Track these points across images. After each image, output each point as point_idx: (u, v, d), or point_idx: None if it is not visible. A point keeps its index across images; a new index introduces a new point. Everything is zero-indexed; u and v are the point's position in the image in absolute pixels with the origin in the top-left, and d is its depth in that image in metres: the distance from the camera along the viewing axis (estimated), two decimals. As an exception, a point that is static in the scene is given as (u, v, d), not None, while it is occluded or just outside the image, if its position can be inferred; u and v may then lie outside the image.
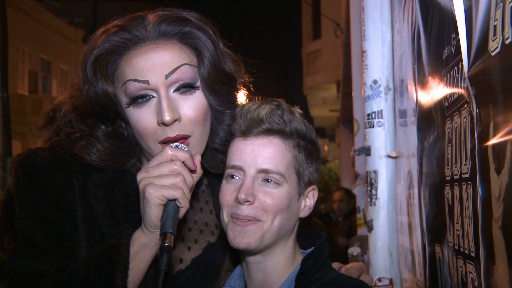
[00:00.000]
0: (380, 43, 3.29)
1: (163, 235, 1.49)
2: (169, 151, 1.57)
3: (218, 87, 1.76)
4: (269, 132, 1.66)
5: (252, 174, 1.64)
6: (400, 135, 2.93)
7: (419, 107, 2.20)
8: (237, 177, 1.68)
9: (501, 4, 1.14)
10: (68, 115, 1.78)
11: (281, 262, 1.71)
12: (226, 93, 1.79)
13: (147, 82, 1.65)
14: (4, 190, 1.71)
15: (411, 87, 2.42)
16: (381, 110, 3.20)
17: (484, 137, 1.27)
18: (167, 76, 1.66)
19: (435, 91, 1.86)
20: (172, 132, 1.67)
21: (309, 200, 1.75)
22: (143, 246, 1.57)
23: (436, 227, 1.93)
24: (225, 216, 1.68)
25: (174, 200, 1.52)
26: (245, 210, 1.63)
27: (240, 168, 1.66)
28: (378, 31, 3.30)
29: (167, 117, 1.64)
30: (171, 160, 1.55)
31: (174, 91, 1.69)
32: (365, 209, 3.86)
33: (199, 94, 1.73)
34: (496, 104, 1.20)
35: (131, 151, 1.78)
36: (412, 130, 2.45)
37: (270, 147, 1.65)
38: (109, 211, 1.70)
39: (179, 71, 1.68)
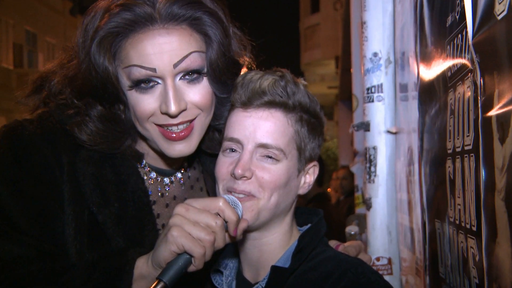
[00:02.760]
0: (381, 14, 3.27)
1: (158, 281, 1.44)
2: (221, 204, 1.49)
3: (225, 76, 1.73)
4: (271, 104, 1.64)
5: (250, 148, 1.62)
6: (401, 110, 2.92)
7: (420, 80, 2.19)
8: (234, 151, 1.66)
9: (509, -35, 1.13)
10: (62, 88, 1.73)
11: (278, 239, 1.71)
12: (231, 80, 1.76)
13: (154, 70, 1.60)
14: None
15: (413, 60, 2.41)
16: (381, 84, 3.19)
17: (488, 106, 1.26)
18: (175, 65, 1.62)
19: (438, 62, 1.85)
20: (174, 120, 1.65)
21: (309, 176, 1.73)
22: (141, 277, 1.55)
23: (436, 203, 1.93)
24: (220, 190, 1.67)
25: (190, 256, 1.46)
26: (242, 185, 1.62)
27: (238, 141, 1.64)
28: (379, 1, 3.28)
29: (173, 109, 1.61)
30: (217, 214, 1.48)
31: (180, 78, 1.66)
32: (363, 187, 3.87)
33: (206, 81, 1.70)
34: (501, 71, 1.18)
35: (126, 135, 1.75)
36: (413, 104, 2.44)
37: (271, 120, 1.63)
38: (98, 189, 1.67)
39: (188, 60, 1.64)
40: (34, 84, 1.81)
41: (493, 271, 1.27)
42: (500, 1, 1.17)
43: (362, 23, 3.32)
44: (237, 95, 1.67)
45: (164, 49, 1.60)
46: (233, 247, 1.80)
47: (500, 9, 1.16)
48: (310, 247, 1.66)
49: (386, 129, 3.11)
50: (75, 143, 1.68)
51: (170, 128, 1.66)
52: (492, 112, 1.22)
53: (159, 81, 1.63)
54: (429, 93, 2.01)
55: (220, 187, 1.66)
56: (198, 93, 1.67)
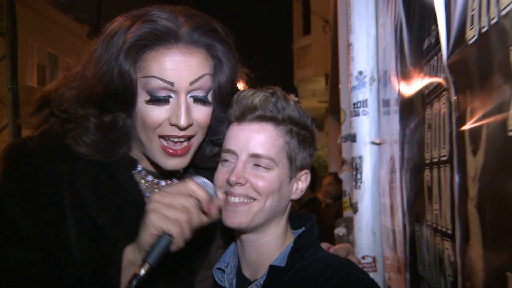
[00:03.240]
0: (366, 36, 3.28)
1: (142, 263, 1.45)
2: (191, 186, 1.50)
3: (228, 99, 1.73)
4: (262, 118, 1.64)
5: (244, 158, 1.63)
6: (384, 123, 2.92)
7: (401, 96, 2.19)
8: (230, 161, 1.66)
9: (478, -5, 1.14)
10: (66, 97, 1.69)
11: (273, 241, 1.70)
12: (230, 100, 1.75)
13: (172, 84, 1.58)
14: None
15: (394, 78, 2.41)
16: (366, 100, 3.20)
17: (462, 121, 1.27)
18: (191, 83, 1.61)
19: (416, 81, 1.86)
20: (179, 132, 1.63)
21: (302, 183, 1.72)
22: (130, 264, 1.52)
23: (416, 208, 1.93)
24: (219, 196, 1.67)
25: (169, 235, 1.46)
26: (238, 190, 1.62)
27: (233, 152, 1.65)
28: (363, 25, 3.28)
29: (183, 122, 1.60)
30: (188, 194, 1.49)
31: (190, 96, 1.64)
32: (350, 193, 3.87)
33: (211, 104, 1.70)
34: (473, 90, 1.19)
35: (121, 143, 1.70)
36: (395, 118, 2.45)
37: (262, 133, 1.63)
38: (96, 196, 1.64)
39: (201, 80, 1.63)
40: (36, 103, 1.78)
41: (466, 270, 1.27)
42: (470, 28, 1.18)
43: (349, 45, 3.33)
44: (232, 111, 1.68)
45: (183, 67, 1.59)
46: (234, 247, 1.80)
47: (471, 35, 1.17)
48: (304, 248, 1.66)
49: (370, 140, 3.11)
50: (72, 154, 1.65)
51: (172, 139, 1.64)
52: (465, 127, 1.23)
53: (173, 95, 1.61)
54: (409, 108, 2.01)
55: (219, 193, 1.66)
56: (203, 113, 1.66)
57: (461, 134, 1.27)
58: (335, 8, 7.05)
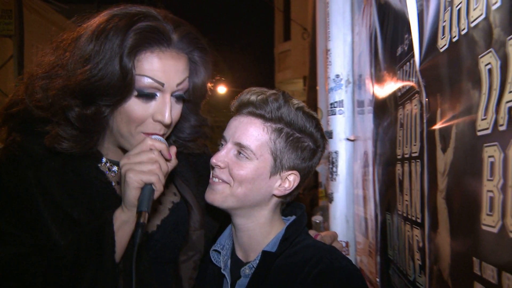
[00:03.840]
0: (342, 43, 3.28)
1: (139, 214, 1.47)
2: (149, 142, 1.52)
3: (197, 98, 1.76)
4: (252, 114, 1.63)
5: (229, 145, 1.63)
6: (358, 121, 2.93)
7: (375, 97, 2.19)
8: (222, 145, 1.67)
9: (449, 8, 1.14)
10: (40, 90, 1.60)
11: (258, 227, 1.69)
12: (198, 104, 1.80)
13: (162, 84, 1.58)
14: None
15: (368, 81, 2.41)
16: (342, 100, 3.19)
17: (432, 121, 1.27)
18: (177, 85, 1.61)
19: (390, 84, 1.85)
20: (160, 130, 1.63)
21: (288, 183, 1.66)
22: (123, 223, 1.52)
23: (387, 198, 1.93)
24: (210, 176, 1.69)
25: (150, 184, 1.50)
26: (217, 171, 1.64)
27: (224, 139, 1.67)
28: (340, 33, 3.29)
29: (167, 120, 1.60)
30: (150, 149, 1.52)
31: (173, 96, 1.63)
32: (326, 184, 3.88)
33: (181, 102, 1.70)
34: (443, 93, 1.19)
35: (98, 134, 1.66)
36: (368, 117, 2.45)
37: (250, 126, 1.62)
38: (66, 194, 1.60)
39: (184, 82, 1.64)
40: (3, 116, 1.71)
41: (433, 255, 1.27)
42: (442, 37, 1.18)
43: (327, 50, 3.33)
44: (233, 103, 1.69)
45: (172, 70, 1.59)
46: (229, 232, 1.79)
47: (442, 44, 1.17)
48: (294, 235, 1.65)
49: (345, 137, 3.12)
50: (35, 160, 1.61)
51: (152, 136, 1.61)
52: (436, 127, 1.23)
53: (158, 94, 1.59)
54: (382, 108, 2.01)
55: (211, 172, 1.69)
56: (177, 113, 1.67)
57: (431, 133, 1.27)
58: (313, 18, 7.06)
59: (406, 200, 1.56)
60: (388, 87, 1.89)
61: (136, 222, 1.45)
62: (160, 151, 1.53)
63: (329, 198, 3.24)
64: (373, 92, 2.23)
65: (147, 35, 1.55)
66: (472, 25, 0.99)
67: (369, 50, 2.42)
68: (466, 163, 1.02)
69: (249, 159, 1.61)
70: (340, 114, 3.17)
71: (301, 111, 1.64)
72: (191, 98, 1.72)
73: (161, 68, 1.57)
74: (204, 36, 1.73)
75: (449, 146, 1.13)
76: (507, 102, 0.84)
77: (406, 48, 1.59)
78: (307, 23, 15.79)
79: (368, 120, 2.50)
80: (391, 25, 1.86)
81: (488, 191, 0.90)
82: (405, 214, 1.59)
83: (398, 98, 1.69)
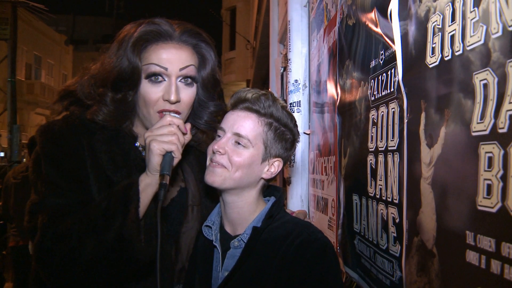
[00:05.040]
0: (300, 55, 3.33)
1: (162, 176, 1.52)
2: (168, 117, 1.59)
3: (210, 86, 1.79)
4: (249, 109, 1.63)
5: (229, 135, 1.62)
6: (315, 119, 2.97)
7: (340, 100, 2.23)
8: (220, 136, 1.65)
9: (439, 33, 1.18)
10: (88, 84, 1.73)
11: (247, 205, 1.69)
12: (212, 91, 1.82)
13: (166, 69, 1.64)
14: (33, 152, 1.69)
15: (331, 87, 2.46)
16: (300, 101, 3.24)
17: (415, 122, 1.31)
18: (180, 69, 1.66)
19: (360, 90, 1.90)
20: (170, 107, 1.67)
21: (274, 168, 1.68)
22: (147, 185, 1.55)
23: (354, 182, 1.98)
24: (207, 161, 1.67)
25: (170, 152, 1.55)
26: (217, 157, 1.62)
27: (223, 130, 1.65)
28: (298, 47, 3.34)
29: (173, 97, 1.64)
30: (169, 124, 1.57)
31: (179, 80, 1.68)
32: (285, 170, 3.92)
33: (194, 88, 1.74)
34: (428, 100, 1.23)
35: (128, 114, 1.73)
36: (329, 116, 2.50)
37: (247, 119, 1.62)
38: (110, 160, 1.67)
39: (188, 69, 1.68)
40: (59, 95, 1.80)
41: (413, 228, 1.32)
42: (431, 56, 1.21)
43: (287, 60, 3.36)
44: (230, 100, 1.68)
45: (175, 57, 1.66)
46: (218, 209, 1.78)
47: (432, 61, 1.21)
48: (276, 213, 1.67)
49: (303, 131, 3.17)
50: (90, 130, 1.68)
51: (165, 112, 1.67)
52: (420, 127, 1.27)
53: (166, 78, 1.65)
54: (349, 109, 2.06)
55: (208, 159, 1.67)
56: (188, 94, 1.71)
57: (414, 132, 1.31)
58: (265, 33, 7.08)
59: (380, 185, 1.61)
60: (357, 93, 1.94)
61: (160, 182, 1.51)
62: (178, 126, 1.58)
63: (288, 181, 3.28)
64: (337, 96, 2.28)
65: (149, 32, 1.65)
66: (468, 48, 1.03)
67: (331, 61, 2.46)
68: (457, 156, 1.07)
69: (246, 148, 1.61)
70: (298, 112, 3.22)
71: (285, 109, 1.69)
72: (205, 87, 1.78)
73: (164, 56, 1.65)
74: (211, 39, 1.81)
75: (436, 142, 1.17)
76: (508, 110, 0.89)
77: (381, 62, 1.63)
78: (249, 36, 15.90)
79: (328, 118, 2.55)
80: (361, 42, 1.90)
81: (486, 179, 0.95)
82: (378, 196, 1.64)
83: (371, 102, 1.74)
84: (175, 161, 1.57)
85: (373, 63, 1.73)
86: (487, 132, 0.95)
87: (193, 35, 1.72)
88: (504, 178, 0.89)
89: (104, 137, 1.69)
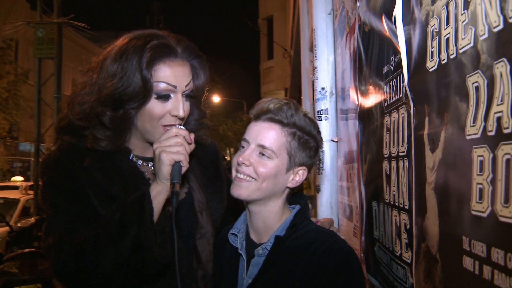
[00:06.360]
0: (326, 62, 3.33)
1: (173, 185, 1.59)
2: (174, 129, 1.65)
3: (200, 97, 1.88)
4: (272, 120, 1.64)
5: (253, 146, 1.63)
6: (341, 126, 2.96)
7: (360, 107, 2.22)
8: (244, 147, 1.67)
9: (437, 37, 1.17)
10: (81, 102, 1.74)
11: (273, 214, 1.69)
12: (200, 100, 1.90)
13: (175, 86, 1.71)
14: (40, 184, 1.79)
15: (353, 93, 2.45)
16: (327, 108, 3.23)
17: (420, 127, 1.30)
18: (186, 86, 1.74)
19: (376, 96, 1.88)
20: (176, 121, 1.74)
21: (298, 176, 1.68)
22: (158, 193, 1.61)
23: (373, 188, 1.96)
24: (233, 173, 1.68)
25: (179, 161, 1.61)
26: (243, 169, 1.63)
27: (246, 141, 1.66)
28: (325, 54, 3.34)
29: (181, 114, 1.72)
30: (176, 135, 1.64)
31: (183, 95, 1.75)
32: (310, 177, 3.91)
33: (189, 100, 1.81)
34: (431, 104, 1.22)
35: (126, 133, 1.77)
36: (353, 122, 2.48)
37: (270, 130, 1.63)
38: (105, 176, 1.71)
39: (190, 83, 1.76)
40: (57, 130, 1.85)
41: (421, 234, 1.30)
42: (431, 60, 1.21)
43: (314, 67, 3.37)
44: (252, 111, 1.69)
45: (181, 75, 1.72)
46: (244, 218, 1.80)
47: (431, 65, 1.20)
48: (300, 221, 1.67)
49: (330, 139, 3.15)
50: (81, 154, 1.74)
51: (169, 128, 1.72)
52: (425, 131, 1.26)
53: (172, 95, 1.71)
54: (368, 115, 2.04)
55: (233, 171, 1.68)
56: (187, 106, 1.78)
57: (419, 137, 1.30)
58: (291, 41, 7.10)
59: (394, 191, 1.59)
60: (374, 99, 1.92)
61: (171, 191, 1.58)
62: (183, 137, 1.65)
63: (317, 189, 3.27)
64: (358, 102, 2.26)
65: (159, 50, 1.68)
66: (461, 51, 1.02)
67: (352, 68, 2.45)
68: (455, 161, 1.05)
69: (270, 158, 1.63)
70: (326, 120, 3.20)
71: (307, 117, 1.67)
72: (195, 96, 1.84)
73: (172, 74, 1.69)
74: (204, 55, 1.86)
75: (438, 147, 1.16)
76: (496, 113, 0.87)
77: (392, 67, 1.62)
78: (286, 45, 15.98)
79: (352, 125, 2.53)
80: (376, 48, 1.89)
81: (478, 183, 0.93)
82: (392, 202, 1.62)
83: (385, 108, 1.72)
84: (183, 169, 1.63)
85: (385, 69, 1.72)
86: (478, 136, 0.94)
87: (191, 51, 1.78)
88: (493, 182, 0.87)
89: (95, 156, 1.75)
